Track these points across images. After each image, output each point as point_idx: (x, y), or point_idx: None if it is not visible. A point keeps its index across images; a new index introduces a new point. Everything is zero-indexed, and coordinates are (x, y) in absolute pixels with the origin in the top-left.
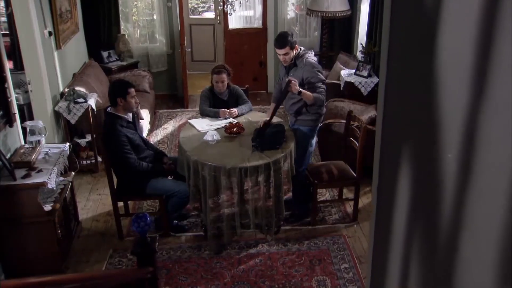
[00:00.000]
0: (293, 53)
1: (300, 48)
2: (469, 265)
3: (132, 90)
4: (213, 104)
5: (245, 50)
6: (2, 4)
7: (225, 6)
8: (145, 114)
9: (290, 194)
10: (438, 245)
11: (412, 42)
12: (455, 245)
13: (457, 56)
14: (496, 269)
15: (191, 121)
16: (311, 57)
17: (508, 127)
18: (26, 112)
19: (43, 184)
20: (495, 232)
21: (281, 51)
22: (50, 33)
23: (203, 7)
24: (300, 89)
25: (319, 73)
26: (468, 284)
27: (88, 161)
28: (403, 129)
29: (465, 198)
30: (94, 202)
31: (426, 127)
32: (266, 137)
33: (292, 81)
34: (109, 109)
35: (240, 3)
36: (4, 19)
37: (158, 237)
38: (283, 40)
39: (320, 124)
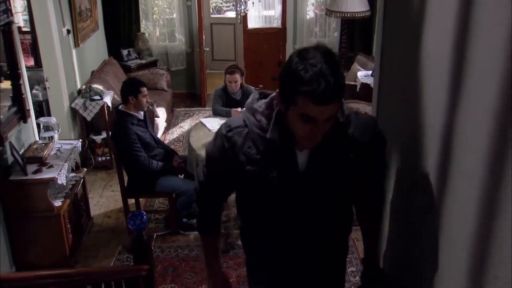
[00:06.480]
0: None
1: None
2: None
3: (144, 89)
4: (226, 103)
5: (264, 50)
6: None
7: (238, 6)
8: (161, 112)
9: None
10: None
11: (401, 47)
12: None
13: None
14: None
15: (202, 120)
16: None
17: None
18: (45, 108)
19: (52, 180)
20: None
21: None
22: (68, 31)
23: (228, 6)
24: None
25: None
26: None
27: (103, 158)
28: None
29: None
30: (107, 198)
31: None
32: None
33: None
34: (120, 106)
35: (253, 3)
36: (25, 17)
37: (155, 236)
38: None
39: None
